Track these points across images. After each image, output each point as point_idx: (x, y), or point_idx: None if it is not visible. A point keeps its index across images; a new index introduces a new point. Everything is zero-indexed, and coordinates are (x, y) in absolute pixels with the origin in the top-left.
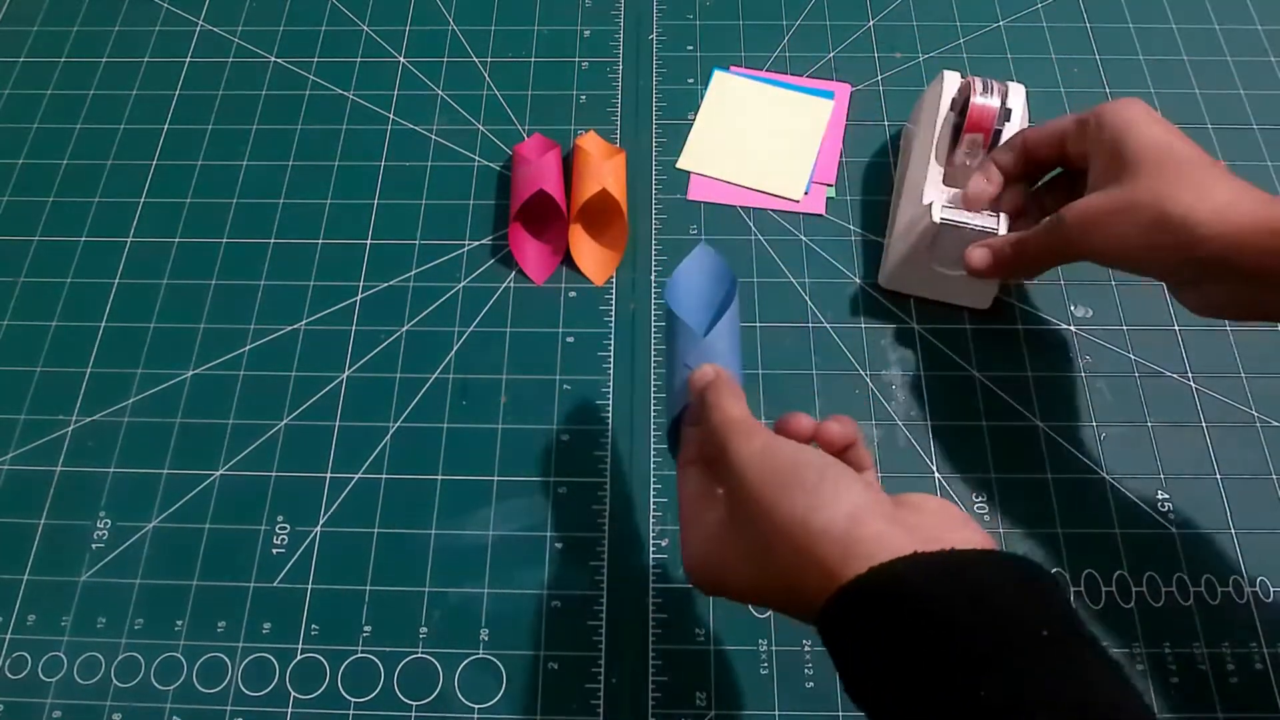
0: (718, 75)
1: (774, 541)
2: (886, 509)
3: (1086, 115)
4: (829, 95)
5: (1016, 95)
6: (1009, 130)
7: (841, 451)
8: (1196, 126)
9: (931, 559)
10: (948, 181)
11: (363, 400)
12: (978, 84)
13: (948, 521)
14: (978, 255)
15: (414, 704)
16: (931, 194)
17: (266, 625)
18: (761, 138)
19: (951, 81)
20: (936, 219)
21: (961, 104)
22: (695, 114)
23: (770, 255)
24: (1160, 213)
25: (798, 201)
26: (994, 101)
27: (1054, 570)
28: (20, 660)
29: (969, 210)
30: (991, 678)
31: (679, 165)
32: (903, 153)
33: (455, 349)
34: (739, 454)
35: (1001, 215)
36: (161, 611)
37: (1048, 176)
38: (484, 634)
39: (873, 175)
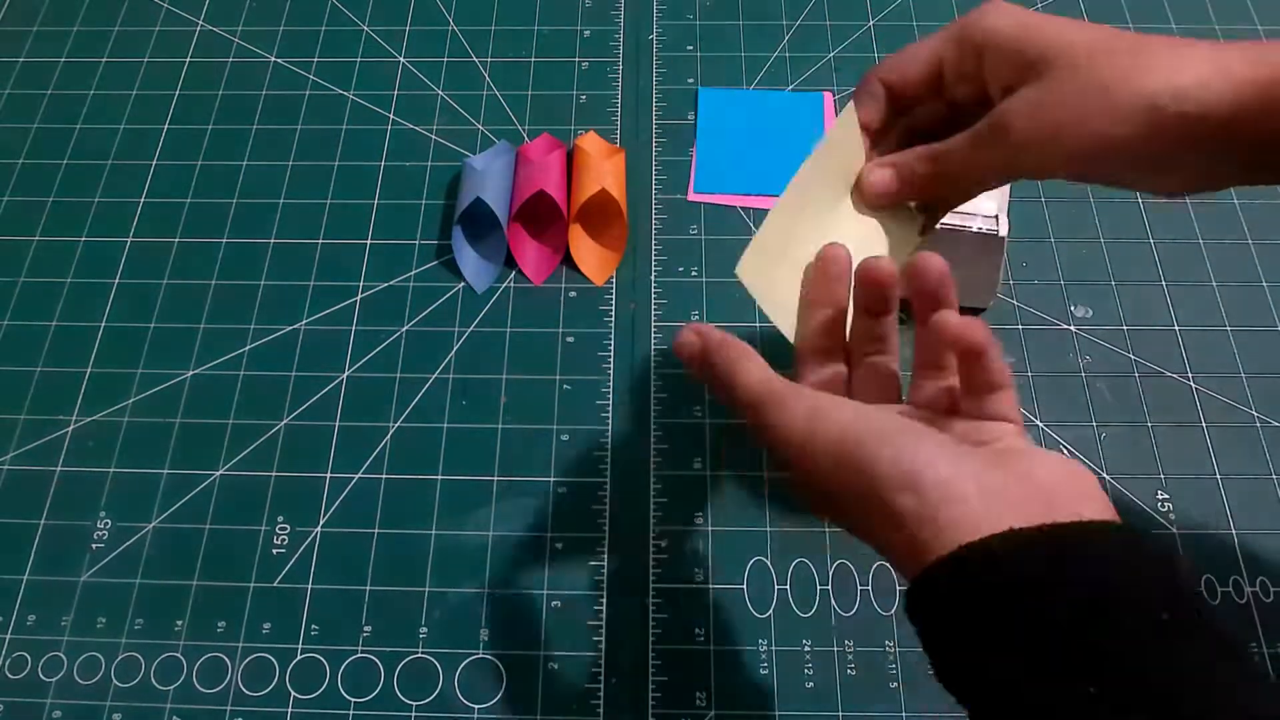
0: (704, 94)
1: (855, 520)
2: (983, 476)
3: (959, 33)
4: (818, 97)
5: None
6: None
7: (973, 364)
8: None
9: (1030, 536)
10: None
11: (363, 400)
12: None
13: (1065, 488)
14: (878, 177)
15: (414, 704)
16: None
17: (266, 625)
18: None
19: None
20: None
21: None
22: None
23: None
24: (1133, 93)
25: None
26: None
27: None
28: (20, 660)
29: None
30: (1098, 671)
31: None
32: None
33: (455, 349)
34: (780, 431)
35: (1001, 215)
36: (161, 611)
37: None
38: (484, 634)
39: None
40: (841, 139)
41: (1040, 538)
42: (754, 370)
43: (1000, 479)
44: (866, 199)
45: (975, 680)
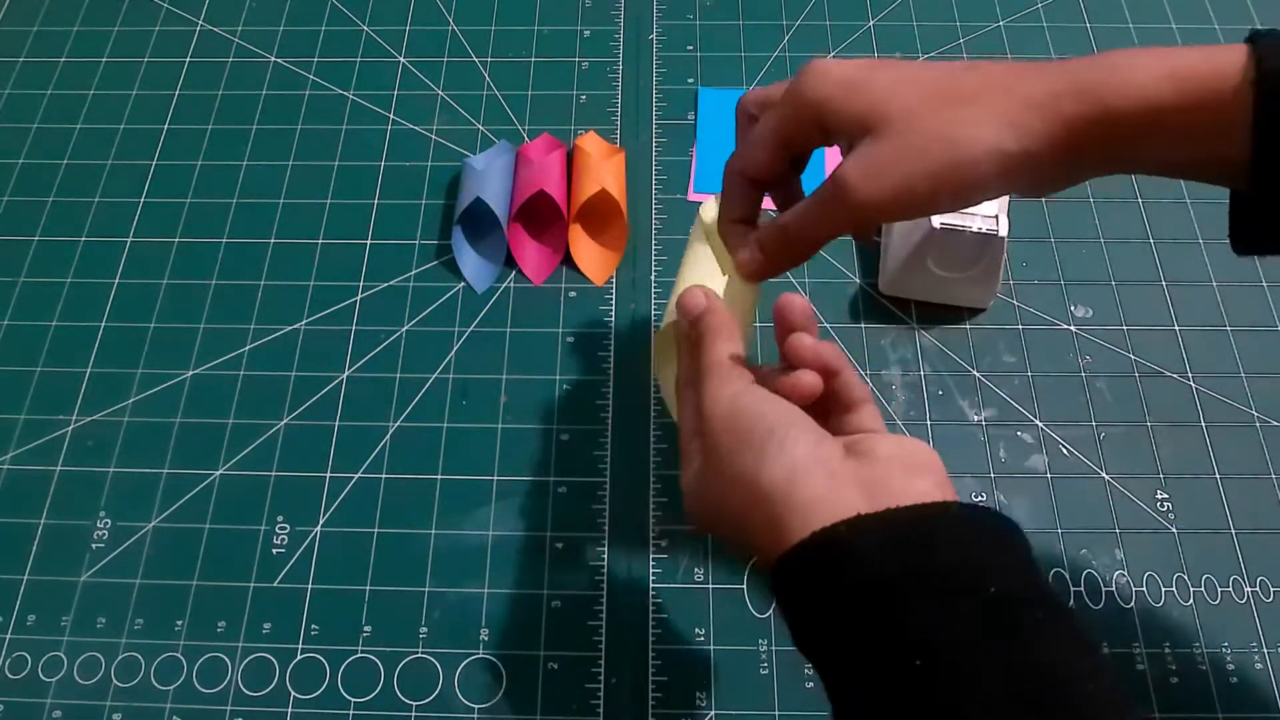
0: (704, 94)
1: (729, 497)
2: (834, 464)
3: (792, 110)
4: None
5: None
6: None
7: (828, 383)
8: None
9: (873, 521)
10: None
11: (363, 400)
12: None
13: (904, 469)
14: (745, 259)
15: (414, 704)
16: None
17: (266, 625)
18: None
19: None
20: (936, 225)
21: None
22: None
23: None
24: (947, 152)
25: None
26: None
27: (1053, 571)
28: (20, 660)
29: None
30: (925, 647)
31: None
32: None
33: (455, 349)
34: (708, 400)
35: (1001, 216)
36: (161, 611)
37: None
38: (484, 634)
39: None
40: (710, 229)
41: (884, 521)
42: (726, 346)
43: (851, 465)
44: (745, 277)
45: (821, 646)
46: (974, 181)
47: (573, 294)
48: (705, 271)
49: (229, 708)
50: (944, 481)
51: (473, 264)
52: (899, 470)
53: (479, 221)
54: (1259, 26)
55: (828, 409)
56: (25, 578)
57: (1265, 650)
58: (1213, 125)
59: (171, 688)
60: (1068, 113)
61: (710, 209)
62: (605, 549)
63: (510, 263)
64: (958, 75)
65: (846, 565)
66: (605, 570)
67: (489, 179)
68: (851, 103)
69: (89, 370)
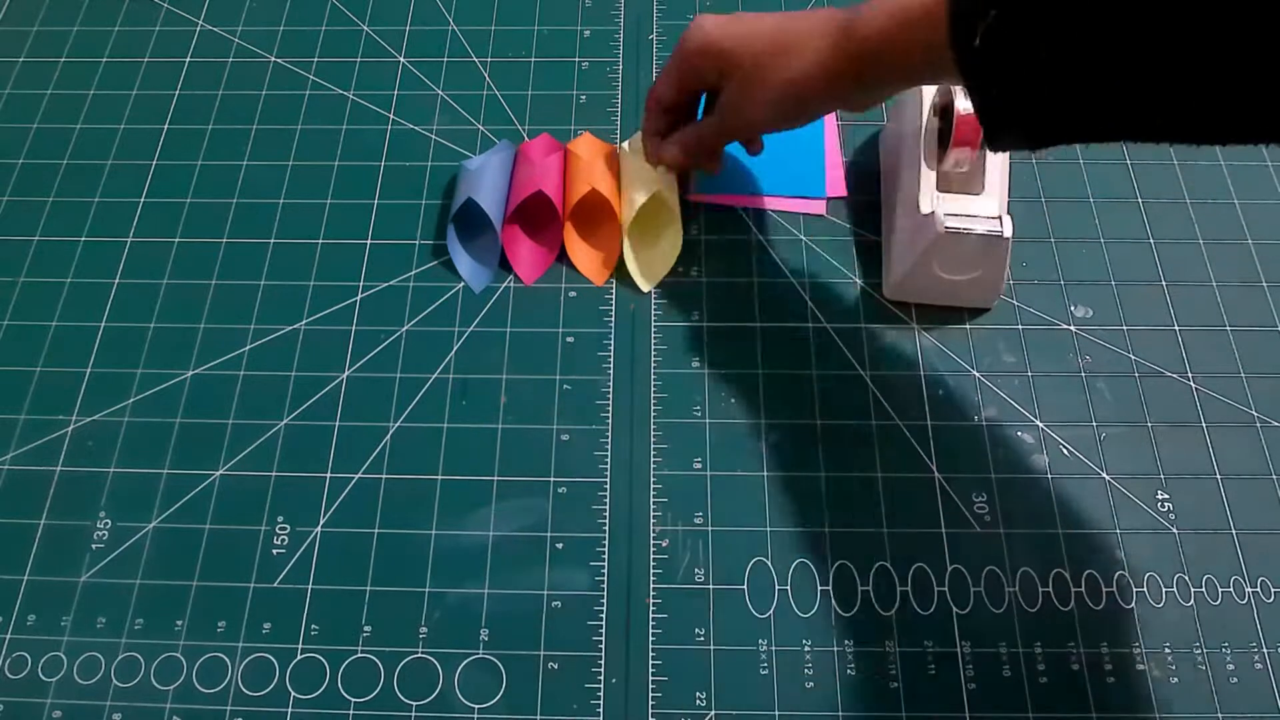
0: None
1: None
2: None
3: (679, 61)
4: None
5: None
6: None
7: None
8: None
9: None
10: (941, 186)
11: (363, 400)
12: (960, 95)
13: None
14: (671, 154)
15: (414, 704)
16: (929, 204)
17: (266, 625)
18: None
19: (930, 87)
20: (941, 229)
21: (943, 108)
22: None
23: (770, 255)
24: (773, 88)
25: (820, 200)
26: None
27: (1053, 571)
28: (20, 660)
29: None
30: None
31: None
32: (886, 155)
33: (455, 349)
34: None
35: (1005, 216)
36: (161, 611)
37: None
38: (484, 634)
39: (873, 176)
40: (637, 150)
41: None
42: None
43: None
44: (669, 167)
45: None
46: (803, 101)
47: (573, 294)
48: (640, 166)
49: (229, 708)
50: None
51: (468, 264)
52: None
53: (474, 221)
54: None
55: None
56: (25, 578)
57: (1265, 651)
58: (926, 43)
59: (171, 688)
60: (843, 48)
61: (635, 142)
62: (605, 549)
63: (505, 264)
64: (784, 26)
65: None
66: (605, 570)
67: (484, 178)
68: (711, 56)
69: (89, 370)
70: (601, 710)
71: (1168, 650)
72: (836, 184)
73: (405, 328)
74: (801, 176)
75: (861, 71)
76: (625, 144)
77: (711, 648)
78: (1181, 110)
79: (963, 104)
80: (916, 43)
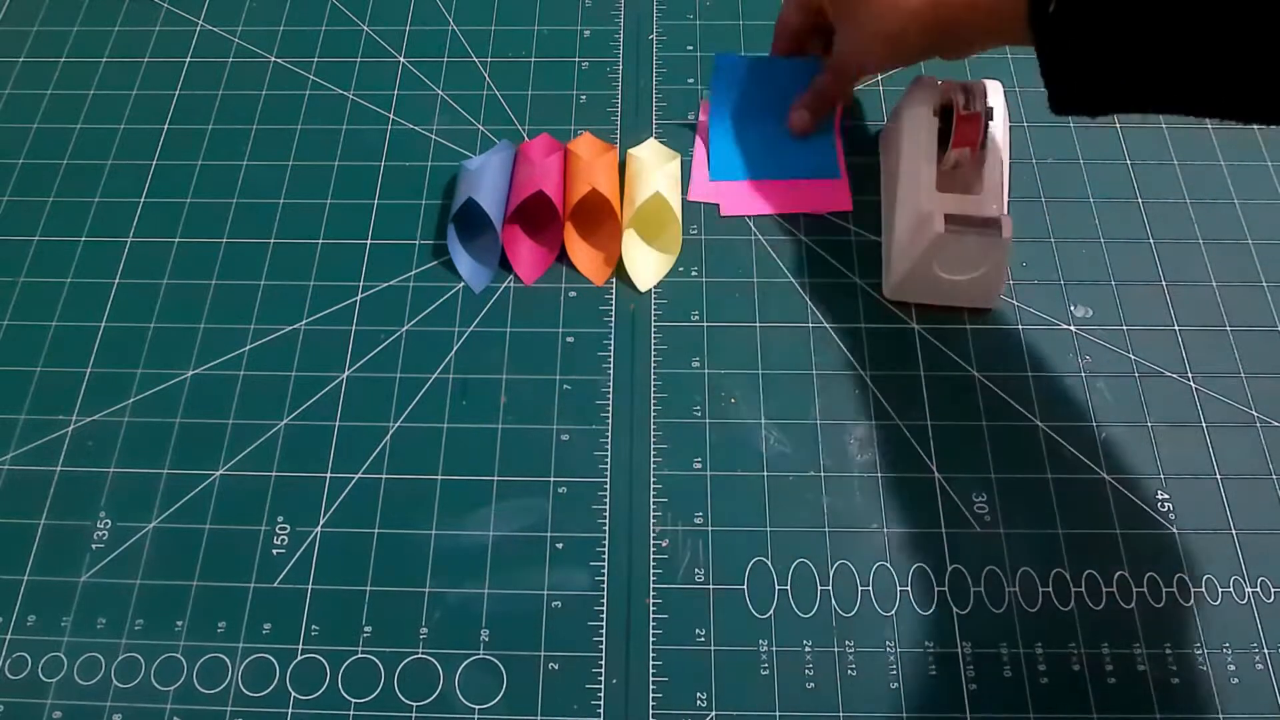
0: (720, 61)
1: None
2: None
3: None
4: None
5: (995, 93)
6: (994, 127)
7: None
8: (1193, 123)
9: None
10: (940, 186)
11: (363, 400)
12: (960, 95)
13: None
14: (799, 119)
15: (414, 704)
16: (929, 204)
17: (267, 626)
18: (779, 126)
19: (930, 88)
20: (941, 229)
21: (942, 108)
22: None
23: (770, 255)
24: (877, 30)
25: (838, 183)
26: (978, 108)
27: (1053, 571)
28: (20, 660)
29: (798, 130)
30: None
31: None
32: (886, 155)
33: (455, 349)
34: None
35: (1005, 216)
36: (161, 612)
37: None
38: (484, 634)
39: (873, 176)
40: (643, 164)
41: None
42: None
43: None
44: (797, 132)
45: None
46: (901, 47)
47: (573, 294)
48: (642, 168)
49: (229, 708)
50: None
51: (468, 264)
52: None
53: (474, 221)
54: None
55: None
56: (25, 578)
57: (1266, 651)
58: (1004, 8)
59: (172, 688)
60: (930, 14)
61: (643, 150)
62: (605, 549)
63: (505, 264)
64: None
65: None
66: (605, 570)
67: (484, 178)
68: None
69: (89, 370)
70: (602, 711)
71: (1168, 650)
72: (842, 198)
73: (405, 328)
74: (815, 159)
75: (948, 27)
76: (631, 150)
77: (712, 648)
78: (1246, 81)
79: (963, 109)
80: (997, 6)
